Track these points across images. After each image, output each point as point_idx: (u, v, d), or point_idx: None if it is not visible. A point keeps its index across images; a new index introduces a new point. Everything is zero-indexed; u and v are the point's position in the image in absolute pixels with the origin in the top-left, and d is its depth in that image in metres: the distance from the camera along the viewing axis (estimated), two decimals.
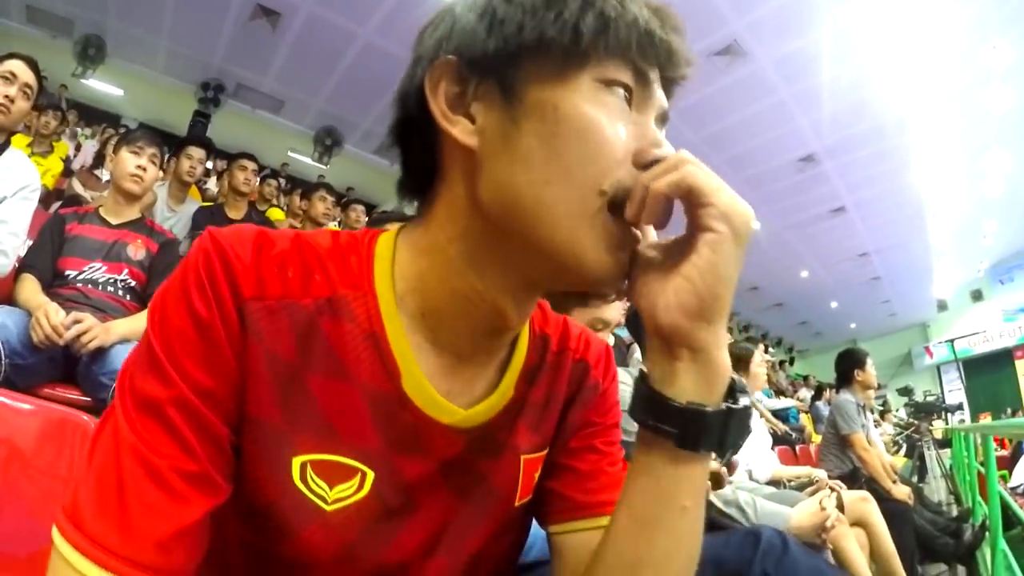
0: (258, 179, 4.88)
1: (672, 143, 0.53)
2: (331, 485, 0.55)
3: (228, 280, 0.51)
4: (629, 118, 0.52)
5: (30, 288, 2.09)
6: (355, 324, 0.56)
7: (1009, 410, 14.82)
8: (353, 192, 9.95)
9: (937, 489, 5.87)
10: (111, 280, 2.27)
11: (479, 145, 0.53)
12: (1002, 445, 7.74)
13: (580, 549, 0.64)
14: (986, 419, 13.58)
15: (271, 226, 4.24)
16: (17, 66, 2.20)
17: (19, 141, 4.22)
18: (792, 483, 3.01)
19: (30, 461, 1.10)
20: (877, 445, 4.06)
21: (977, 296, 17.48)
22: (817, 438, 6.32)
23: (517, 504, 0.67)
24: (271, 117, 10.77)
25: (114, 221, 2.40)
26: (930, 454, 6.15)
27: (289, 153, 11.44)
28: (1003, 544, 2.61)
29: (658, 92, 0.54)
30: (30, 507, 1.07)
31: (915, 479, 5.55)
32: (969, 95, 8.13)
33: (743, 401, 0.51)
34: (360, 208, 5.10)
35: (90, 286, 2.22)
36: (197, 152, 3.84)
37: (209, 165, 7.16)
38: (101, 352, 1.92)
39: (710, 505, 1.88)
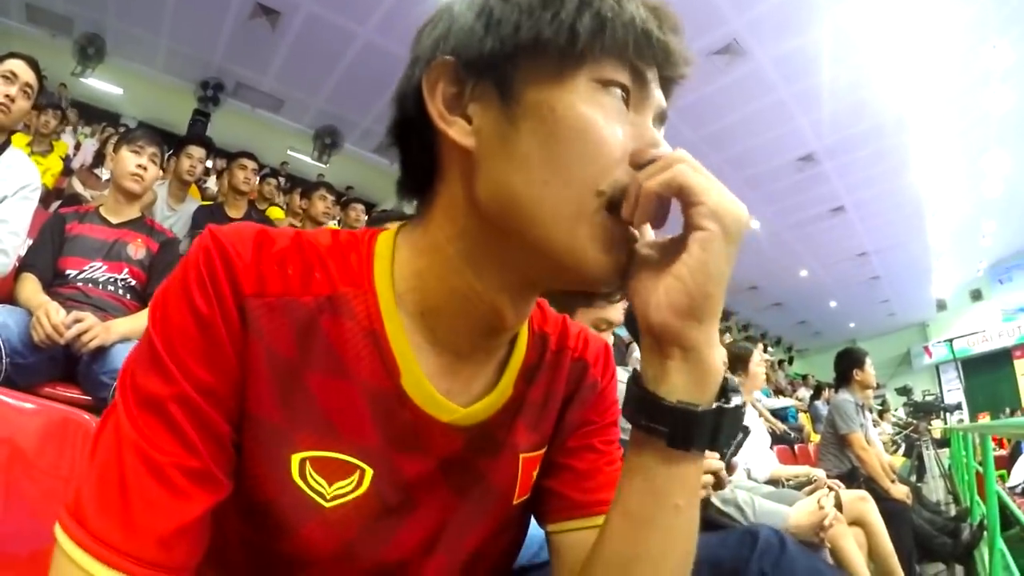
0: (258, 178, 4.88)
1: (671, 142, 0.53)
2: (330, 482, 0.55)
3: (229, 277, 0.51)
4: (626, 118, 0.52)
5: (30, 287, 2.10)
6: (355, 322, 0.56)
7: (1008, 410, 14.81)
8: (352, 191, 9.94)
9: (935, 489, 5.88)
10: (111, 279, 2.27)
11: (476, 145, 0.53)
12: (1001, 445, 7.74)
13: (578, 547, 0.64)
14: (985, 419, 13.58)
15: (271, 225, 4.24)
16: (18, 65, 2.20)
17: (19, 140, 4.21)
18: (790, 482, 3.01)
19: (32, 460, 1.10)
20: (876, 445, 4.06)
21: (976, 296, 17.49)
22: (816, 437, 6.33)
23: (515, 502, 0.67)
24: (271, 116, 10.76)
25: (114, 220, 2.41)
26: (928, 454, 6.17)
27: (288, 152, 11.43)
28: (1001, 544, 2.61)
29: (656, 92, 0.54)
30: (32, 506, 1.07)
31: (913, 478, 5.56)
32: (969, 95, 8.13)
33: (735, 400, 0.51)
34: (360, 207, 5.10)
35: (90, 285, 2.23)
36: (197, 151, 3.84)
37: (209, 164, 7.16)
38: (102, 351, 1.92)
39: (708, 504, 1.88)
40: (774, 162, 9.73)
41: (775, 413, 6.69)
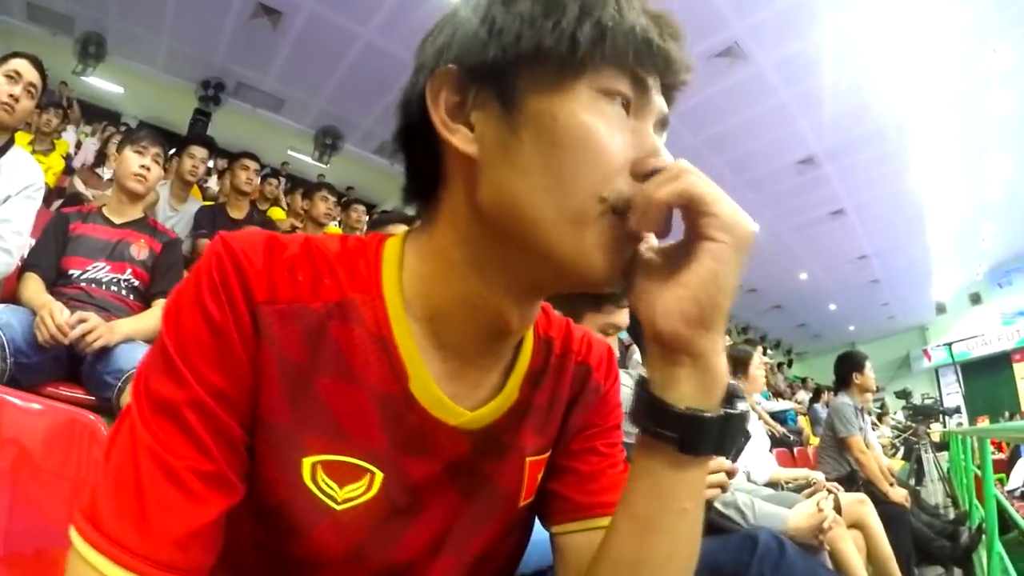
0: (259, 179, 4.88)
1: (672, 146, 0.53)
2: (341, 485, 0.56)
3: (241, 284, 0.52)
4: (627, 125, 0.52)
5: (34, 287, 2.10)
6: (364, 327, 0.56)
7: (1007, 413, 14.79)
8: (353, 192, 9.94)
9: (934, 492, 5.88)
10: (114, 279, 2.28)
11: (479, 153, 0.53)
12: (999, 448, 7.73)
13: (582, 549, 0.65)
14: (984, 422, 13.56)
15: (272, 225, 4.25)
16: (22, 65, 2.21)
17: (20, 139, 4.22)
18: (790, 485, 3.02)
19: (38, 460, 1.11)
20: (875, 448, 4.07)
21: (976, 299, 17.48)
22: (815, 440, 6.33)
23: (521, 505, 0.68)
24: (271, 116, 10.77)
25: (117, 220, 2.41)
26: (927, 457, 6.16)
27: (289, 152, 11.42)
28: (999, 547, 2.62)
29: (657, 99, 0.54)
30: (38, 505, 1.08)
31: (912, 482, 5.55)
32: (969, 98, 8.14)
33: (741, 406, 0.52)
34: (361, 208, 5.11)
35: (93, 285, 2.23)
36: (199, 151, 3.84)
37: (210, 164, 7.16)
38: (105, 351, 1.93)
39: (709, 506, 1.89)
40: (774, 165, 9.74)
41: (774, 416, 6.69)
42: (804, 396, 11.10)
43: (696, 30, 6.80)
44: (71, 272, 2.23)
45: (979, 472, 3.25)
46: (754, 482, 2.75)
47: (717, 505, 1.95)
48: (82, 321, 1.90)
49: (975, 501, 4.09)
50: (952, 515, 4.74)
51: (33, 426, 1.13)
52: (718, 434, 0.51)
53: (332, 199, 4.16)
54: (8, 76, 2.17)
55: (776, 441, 5.32)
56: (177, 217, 3.77)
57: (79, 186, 4.88)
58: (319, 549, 0.56)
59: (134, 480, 0.47)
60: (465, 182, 0.55)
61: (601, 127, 0.50)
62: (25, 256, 2.22)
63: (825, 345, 18.81)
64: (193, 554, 0.48)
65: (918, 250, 12.88)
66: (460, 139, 0.54)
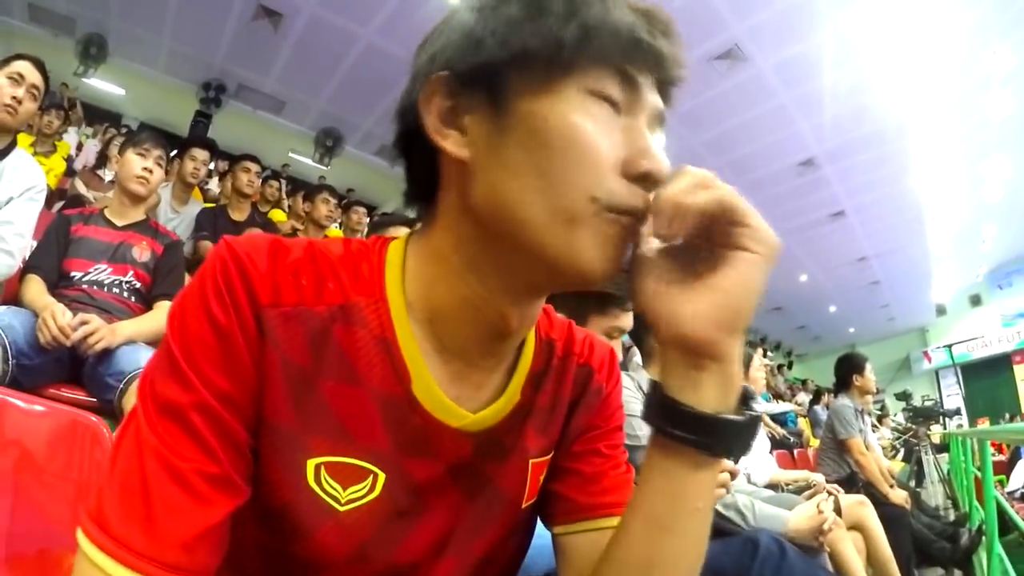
0: (260, 180, 4.89)
1: (672, 147, 0.53)
2: (344, 486, 0.57)
3: (245, 288, 0.52)
4: (618, 124, 0.53)
5: (35, 289, 2.11)
6: (367, 330, 0.57)
7: (1007, 415, 14.78)
8: (353, 193, 9.95)
9: (934, 494, 5.87)
10: (116, 281, 2.28)
11: (471, 156, 0.54)
12: (1000, 450, 7.74)
13: (585, 549, 0.66)
14: (984, 424, 13.56)
15: (273, 227, 4.25)
16: (25, 67, 2.22)
17: (22, 140, 4.22)
18: (790, 487, 3.02)
19: (40, 462, 1.11)
20: (875, 450, 4.07)
21: (976, 301, 17.46)
22: (815, 442, 6.34)
23: (524, 506, 0.68)
24: (272, 118, 10.76)
25: (119, 223, 2.42)
26: (927, 459, 6.15)
27: (290, 154, 11.41)
28: (999, 549, 2.62)
29: (648, 96, 0.54)
30: (40, 507, 1.08)
31: (912, 483, 5.55)
32: (969, 100, 8.13)
33: (757, 408, 0.53)
34: (362, 210, 5.12)
35: (95, 287, 2.23)
36: (201, 154, 3.84)
37: (211, 166, 7.16)
38: (107, 353, 1.93)
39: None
40: (775, 167, 9.73)
41: (774, 418, 6.70)
42: (804, 398, 11.12)
43: (696, 32, 6.80)
44: (73, 274, 2.23)
45: (979, 474, 3.26)
46: (754, 484, 2.75)
47: (718, 507, 1.96)
48: (84, 323, 1.91)
49: (975, 503, 4.09)
50: (952, 517, 4.74)
51: (35, 428, 1.13)
52: (742, 436, 0.51)
53: (333, 201, 4.17)
54: (11, 78, 2.17)
55: (776, 443, 5.34)
56: (178, 219, 3.78)
57: (80, 188, 4.88)
58: (323, 550, 0.57)
59: (140, 482, 0.48)
60: (459, 186, 0.56)
61: (590, 127, 0.51)
62: (27, 258, 2.22)
63: (825, 347, 18.78)
64: (200, 556, 0.49)
65: (918, 252, 12.87)
66: (452, 143, 0.55)
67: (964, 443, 5.14)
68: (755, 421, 0.52)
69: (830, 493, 2.38)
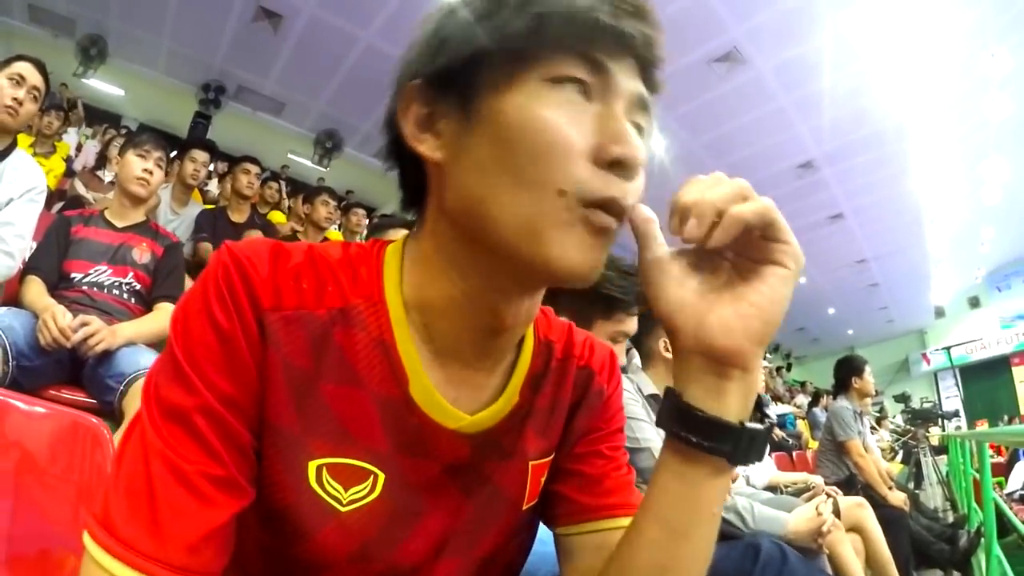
0: (259, 182, 4.90)
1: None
2: (346, 487, 0.57)
3: (247, 292, 0.53)
4: (587, 111, 0.52)
5: (35, 290, 2.11)
6: (366, 333, 0.57)
7: (1006, 417, 14.77)
8: (352, 195, 9.95)
9: (933, 495, 5.88)
10: (116, 283, 2.28)
11: (444, 159, 0.55)
12: (998, 452, 7.73)
13: (589, 550, 0.66)
14: (983, 426, 13.57)
15: (273, 229, 4.25)
16: (26, 68, 2.22)
17: (21, 141, 4.22)
18: (789, 489, 3.03)
19: (41, 464, 1.11)
20: (873, 452, 4.07)
21: (974, 303, 17.45)
22: (814, 444, 6.33)
23: (524, 508, 0.68)
24: (271, 119, 10.77)
25: (119, 224, 2.42)
26: (926, 460, 6.16)
27: (289, 155, 11.42)
28: (998, 550, 2.63)
29: (622, 80, 0.53)
30: (41, 508, 1.08)
31: (911, 485, 5.55)
32: (967, 102, 8.14)
33: (770, 413, 0.53)
34: (361, 211, 5.12)
35: (95, 289, 2.24)
36: (201, 155, 3.84)
37: (211, 167, 7.16)
38: (107, 355, 1.94)
39: None
40: (774, 169, 9.72)
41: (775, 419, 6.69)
42: (803, 400, 11.12)
43: (695, 35, 6.82)
44: (73, 275, 2.23)
45: (978, 476, 3.26)
46: (753, 486, 2.75)
47: None
48: (84, 324, 1.91)
49: (974, 504, 4.10)
50: (951, 519, 4.74)
51: (36, 430, 1.13)
52: (761, 444, 0.52)
53: (333, 203, 4.17)
54: (12, 80, 2.17)
55: (775, 445, 5.33)
56: (178, 220, 3.78)
57: (80, 189, 4.88)
58: (324, 551, 0.57)
59: (146, 485, 0.48)
60: (438, 188, 0.57)
61: (552, 116, 0.50)
62: (27, 259, 2.22)
63: (824, 349, 18.77)
64: (205, 557, 0.49)
65: (917, 254, 12.88)
66: (427, 147, 0.56)
67: (963, 445, 5.14)
68: (772, 428, 0.52)
69: (829, 495, 2.38)
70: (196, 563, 0.48)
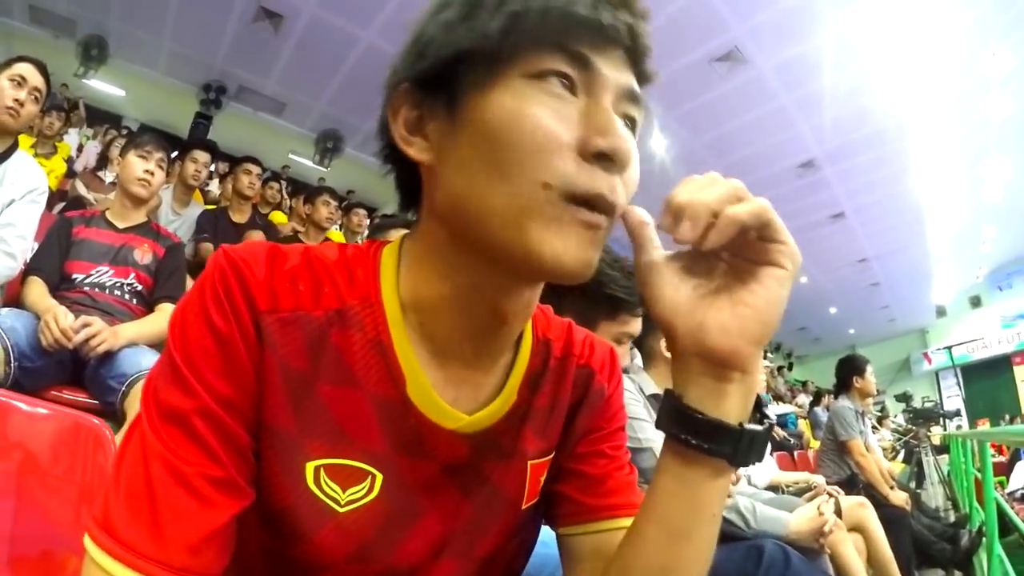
0: (260, 182, 4.90)
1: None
2: (344, 488, 0.57)
3: (244, 294, 0.53)
4: (572, 105, 0.51)
5: (37, 291, 2.11)
6: (363, 334, 0.57)
7: (1007, 416, 14.77)
8: (354, 195, 9.94)
9: (935, 495, 5.87)
10: (118, 284, 2.29)
11: (433, 160, 0.56)
12: (1000, 451, 7.73)
13: (592, 550, 0.66)
14: (984, 425, 13.56)
15: (274, 229, 4.25)
16: (27, 69, 2.22)
17: (23, 142, 4.22)
18: (790, 488, 3.03)
19: (43, 464, 1.11)
20: (875, 451, 4.07)
21: (976, 302, 17.45)
22: (815, 444, 6.33)
23: (524, 508, 0.68)
24: (272, 119, 10.77)
25: (121, 225, 2.42)
26: (928, 460, 6.16)
27: (290, 155, 11.42)
28: (999, 550, 2.63)
29: (608, 72, 0.52)
30: (43, 509, 1.08)
31: (913, 485, 5.55)
32: (968, 101, 8.14)
33: (770, 413, 0.53)
34: (362, 212, 5.12)
35: (97, 289, 2.24)
36: (202, 156, 3.85)
37: (212, 168, 7.16)
38: (109, 356, 1.94)
39: None
40: (775, 168, 9.72)
41: (775, 419, 6.69)
42: (804, 400, 11.12)
43: (696, 34, 6.82)
44: (74, 276, 2.24)
45: (979, 475, 3.26)
46: (755, 486, 2.75)
47: None
48: (86, 325, 1.91)
49: (975, 504, 4.09)
50: (952, 518, 4.74)
51: (38, 430, 1.13)
52: (761, 445, 0.52)
53: (334, 203, 4.17)
54: (12, 80, 2.18)
55: (776, 445, 5.32)
56: (179, 221, 3.78)
57: (81, 189, 4.88)
58: (322, 552, 0.57)
59: (146, 487, 0.48)
60: (429, 189, 0.58)
61: (532, 111, 0.50)
62: (28, 260, 2.23)
63: (825, 348, 18.77)
64: (206, 558, 0.49)
65: (918, 253, 12.88)
66: (416, 150, 0.56)
67: (964, 444, 5.14)
68: (772, 428, 0.52)
69: (831, 495, 2.38)
70: (197, 564, 0.49)
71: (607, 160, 0.51)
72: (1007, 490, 6.15)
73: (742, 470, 2.58)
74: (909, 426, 7.56)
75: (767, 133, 8.91)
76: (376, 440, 0.58)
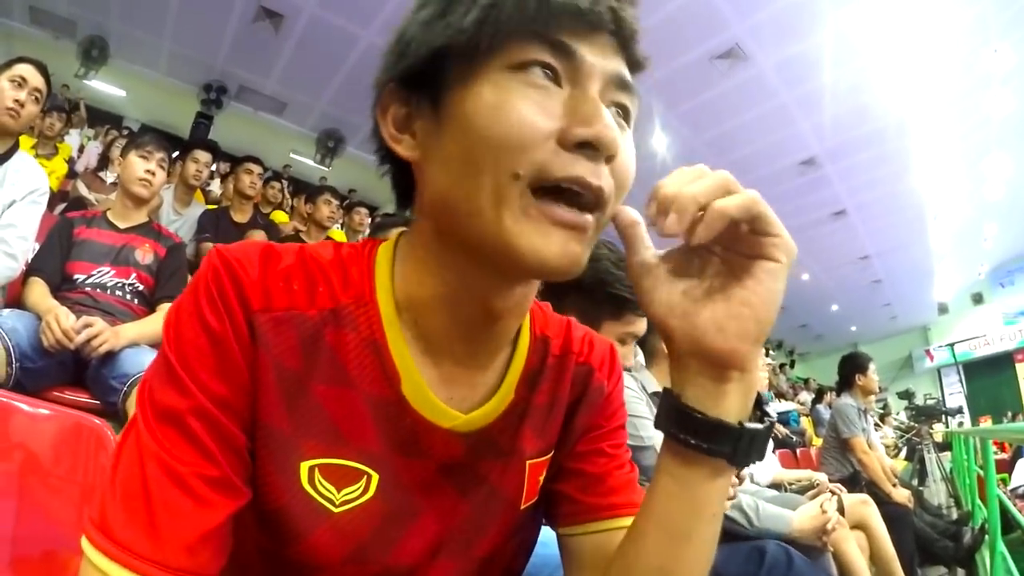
0: (262, 182, 4.90)
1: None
2: (338, 488, 0.57)
3: (237, 294, 0.53)
4: (555, 96, 0.50)
5: (39, 291, 2.11)
6: (357, 333, 0.57)
7: (1010, 413, 14.75)
8: (355, 194, 9.94)
9: (937, 492, 5.86)
10: (119, 284, 2.29)
11: (420, 158, 0.56)
12: (1002, 448, 7.73)
13: (592, 550, 0.66)
14: (986, 422, 13.54)
15: (276, 229, 4.25)
16: (27, 70, 2.22)
17: (24, 143, 4.22)
18: (793, 486, 3.02)
19: (45, 465, 1.11)
20: (877, 449, 4.07)
21: (978, 299, 17.43)
22: (818, 441, 6.33)
23: (523, 507, 0.68)
24: (273, 119, 10.77)
25: (122, 225, 2.42)
26: (930, 457, 6.15)
27: (291, 155, 11.42)
28: (1002, 547, 2.62)
29: (593, 60, 0.51)
30: (45, 510, 1.08)
31: (915, 482, 5.55)
32: (970, 99, 8.13)
33: (771, 411, 0.52)
34: (364, 211, 5.12)
35: (98, 290, 2.24)
36: (203, 156, 3.86)
37: (213, 168, 7.16)
38: (110, 356, 1.94)
39: None
40: (776, 166, 9.71)
41: (777, 417, 6.68)
42: (806, 397, 11.11)
43: (697, 32, 6.81)
44: (76, 277, 2.24)
45: (982, 472, 3.25)
46: (757, 484, 2.75)
47: None
48: (87, 326, 1.91)
49: (978, 501, 4.09)
50: (955, 515, 4.73)
51: (40, 431, 1.13)
52: (762, 444, 0.51)
53: (335, 202, 4.17)
54: (13, 81, 2.18)
55: (779, 442, 5.32)
56: (181, 221, 3.79)
57: (82, 190, 4.88)
58: (317, 552, 0.57)
59: (142, 487, 0.48)
60: (420, 187, 0.58)
61: (511, 103, 0.49)
62: (30, 261, 2.23)
63: (827, 346, 18.77)
64: (203, 558, 0.49)
65: (920, 250, 12.86)
66: (404, 148, 0.57)
67: (967, 441, 5.14)
68: (772, 426, 0.52)
69: (833, 493, 2.39)
70: (194, 564, 0.49)
71: (591, 149, 0.49)
72: (1009, 487, 6.15)
73: (745, 470, 2.58)
74: (911, 423, 7.55)
75: (768, 131, 8.89)
76: (371, 439, 0.58)
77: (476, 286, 0.56)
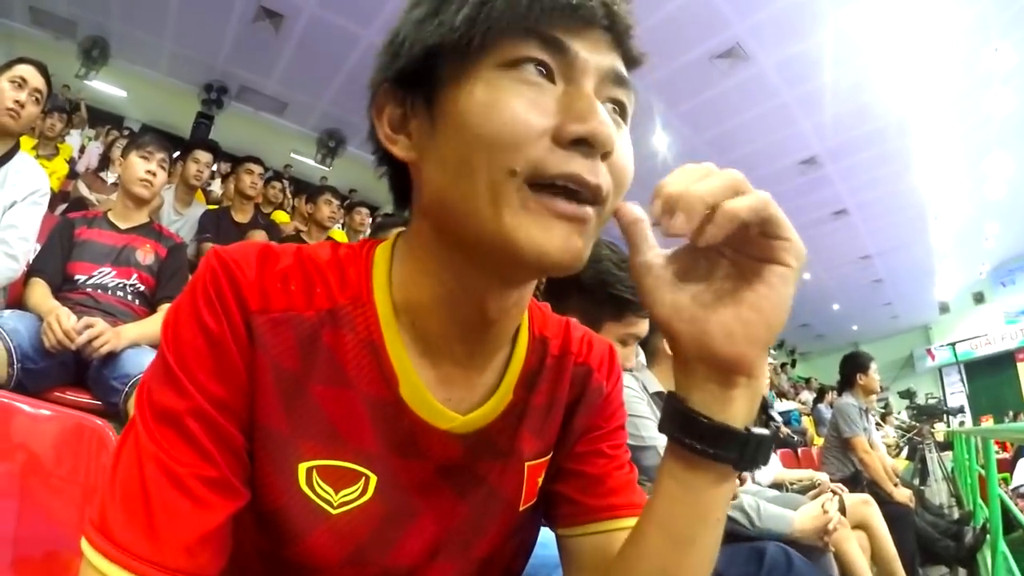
0: (263, 182, 4.90)
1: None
2: (336, 490, 0.57)
3: (235, 295, 0.53)
4: (549, 93, 0.50)
5: (40, 292, 2.11)
6: (355, 334, 0.57)
7: (1011, 412, 14.72)
8: (356, 194, 9.94)
9: (938, 492, 5.87)
10: (120, 284, 2.29)
11: (416, 158, 0.56)
12: (1003, 447, 7.72)
13: (592, 551, 0.66)
14: (988, 422, 13.53)
15: (277, 229, 4.26)
16: (28, 71, 2.22)
17: (24, 143, 4.22)
18: (794, 486, 3.03)
19: (46, 465, 1.11)
20: (879, 448, 4.07)
21: (979, 298, 17.42)
22: (819, 441, 6.32)
23: (521, 508, 0.68)
24: (274, 119, 10.77)
25: (123, 225, 2.42)
26: (931, 457, 6.15)
27: (292, 155, 11.42)
28: (1003, 547, 2.61)
29: (586, 55, 0.50)
30: (47, 510, 1.08)
31: (916, 482, 5.55)
32: (971, 98, 8.12)
33: (775, 414, 0.52)
34: (364, 211, 5.12)
35: (99, 290, 2.24)
36: (204, 156, 3.86)
37: (214, 168, 7.16)
38: (112, 356, 1.94)
39: None
40: (777, 165, 9.70)
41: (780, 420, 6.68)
42: (808, 396, 11.10)
43: (697, 31, 6.81)
44: (77, 277, 2.24)
45: (983, 472, 3.25)
46: (758, 483, 2.75)
47: None
48: (89, 326, 1.91)
49: (979, 501, 4.09)
50: (956, 515, 4.73)
51: (42, 431, 1.13)
52: (767, 448, 0.51)
53: (336, 202, 4.17)
54: (13, 82, 2.18)
55: (780, 442, 5.32)
56: (182, 221, 3.79)
57: (83, 190, 4.89)
58: (316, 554, 0.57)
59: (141, 489, 0.48)
60: (416, 188, 0.58)
61: (503, 100, 0.48)
62: (31, 261, 2.23)
63: (828, 345, 18.75)
64: (202, 559, 0.49)
65: (921, 250, 12.85)
66: (400, 148, 0.57)
67: (968, 441, 5.13)
68: (777, 431, 0.51)
69: (835, 492, 2.38)
70: (193, 565, 0.49)
71: (586, 146, 0.49)
72: (1011, 487, 6.14)
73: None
74: (913, 423, 7.55)
75: (769, 130, 8.89)
76: (369, 440, 0.58)
77: (474, 287, 0.56)
